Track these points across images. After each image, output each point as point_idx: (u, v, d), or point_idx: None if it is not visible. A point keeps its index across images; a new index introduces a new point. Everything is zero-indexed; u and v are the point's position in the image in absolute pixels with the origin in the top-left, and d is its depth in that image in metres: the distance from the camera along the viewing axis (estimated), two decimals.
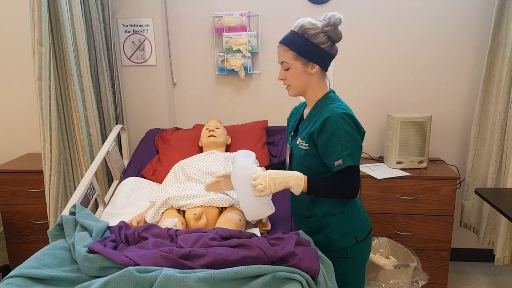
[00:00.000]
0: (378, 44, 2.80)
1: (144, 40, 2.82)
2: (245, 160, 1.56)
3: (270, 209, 1.61)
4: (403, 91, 2.86)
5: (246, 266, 1.33)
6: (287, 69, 1.58)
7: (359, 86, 2.88)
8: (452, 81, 2.80)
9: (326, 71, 1.63)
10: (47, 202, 2.28)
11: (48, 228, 2.29)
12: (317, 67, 1.56)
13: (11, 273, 1.38)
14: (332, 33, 1.54)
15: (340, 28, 1.56)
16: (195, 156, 2.39)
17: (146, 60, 2.86)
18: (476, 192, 2.18)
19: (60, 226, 1.71)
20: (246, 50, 2.81)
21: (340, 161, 1.50)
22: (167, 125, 2.94)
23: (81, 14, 2.42)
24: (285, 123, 2.86)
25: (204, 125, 2.72)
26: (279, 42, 1.59)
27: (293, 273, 1.33)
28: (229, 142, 2.58)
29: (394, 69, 2.83)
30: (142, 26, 2.80)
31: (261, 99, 2.98)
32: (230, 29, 2.81)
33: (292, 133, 1.74)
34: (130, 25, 2.81)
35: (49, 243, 1.65)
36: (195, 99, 3.04)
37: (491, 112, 2.63)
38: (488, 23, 2.63)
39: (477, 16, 2.68)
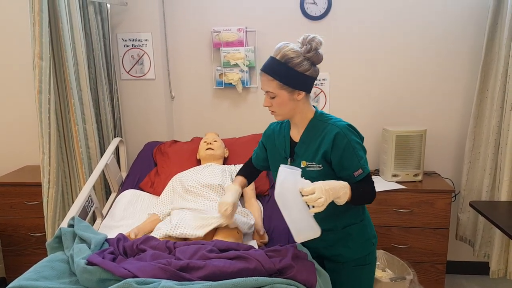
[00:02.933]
0: (374, 59, 2.84)
1: (143, 54, 2.86)
2: (297, 172, 1.43)
3: (319, 229, 1.48)
4: (398, 105, 2.90)
5: (244, 278, 1.34)
6: (273, 98, 1.56)
7: (356, 100, 2.91)
8: (447, 95, 2.84)
9: (310, 93, 1.62)
10: (45, 214, 2.29)
11: (46, 240, 2.30)
12: (303, 93, 1.56)
13: (10, 285, 1.39)
14: (315, 58, 1.54)
15: (320, 50, 1.55)
16: (193, 168, 2.40)
17: (145, 74, 2.89)
18: (471, 205, 2.20)
19: (59, 239, 1.72)
20: (244, 64, 2.86)
21: (360, 171, 1.54)
22: (165, 138, 2.96)
23: (81, 28, 2.45)
24: None
25: (202, 138, 2.74)
26: (262, 70, 1.55)
27: (291, 285, 1.34)
28: (226, 155, 2.61)
29: (390, 83, 2.87)
30: (141, 41, 2.84)
31: (258, 112, 3.01)
32: (228, 44, 2.86)
33: (290, 159, 1.68)
34: (129, 39, 2.85)
35: (46, 256, 1.66)
36: (193, 112, 3.07)
37: (485, 126, 2.66)
38: (481, 39, 2.68)
39: (470, 32, 2.74)
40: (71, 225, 1.80)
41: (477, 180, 2.73)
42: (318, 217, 1.56)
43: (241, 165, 2.45)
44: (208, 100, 3.04)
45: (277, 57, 1.52)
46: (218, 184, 2.20)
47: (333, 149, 1.54)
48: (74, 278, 1.49)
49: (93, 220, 2.38)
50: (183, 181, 2.26)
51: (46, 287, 1.37)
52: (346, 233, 1.66)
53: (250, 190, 2.34)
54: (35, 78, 2.14)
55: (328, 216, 1.61)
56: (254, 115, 3.02)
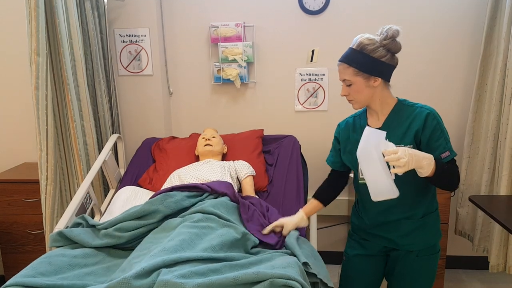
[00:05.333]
0: None
1: (141, 50, 2.85)
2: (381, 133, 1.47)
3: (397, 191, 1.47)
4: None
5: (245, 272, 1.34)
6: (349, 85, 1.62)
7: None
8: (445, 90, 2.84)
9: (389, 81, 1.67)
10: (43, 211, 2.28)
11: (44, 238, 2.29)
12: (379, 79, 1.61)
13: (7, 283, 1.38)
14: (391, 45, 1.58)
15: (398, 39, 1.59)
16: (191, 164, 2.40)
17: (143, 70, 2.88)
18: (470, 199, 2.20)
19: (61, 234, 1.72)
20: (242, 60, 2.84)
21: (447, 153, 1.55)
22: (163, 134, 2.95)
23: (78, 24, 2.44)
24: (280, 132, 2.90)
25: (200, 134, 2.73)
26: (339, 61, 1.63)
27: (291, 279, 1.34)
28: (225, 151, 2.60)
29: None
30: (139, 36, 2.82)
31: (256, 108, 3.00)
32: (226, 39, 2.84)
33: None
34: (126, 35, 2.83)
35: (45, 253, 1.66)
36: (191, 108, 3.06)
37: (484, 121, 2.66)
38: (480, 33, 2.67)
39: (469, 26, 2.73)
40: (77, 224, 1.81)
41: (476, 175, 2.73)
42: (402, 205, 1.65)
43: (240, 161, 2.45)
44: (206, 96, 3.03)
45: (354, 47, 1.60)
46: (217, 180, 2.20)
47: (424, 129, 1.58)
48: (73, 272, 1.48)
49: (92, 217, 2.37)
50: (182, 177, 2.26)
51: (42, 284, 1.36)
52: (423, 222, 1.69)
53: (249, 186, 2.33)
54: (32, 74, 2.13)
55: (412, 203, 1.66)
56: (253, 110, 3.01)
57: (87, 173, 2.36)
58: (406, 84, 2.85)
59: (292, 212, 1.94)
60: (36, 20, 2.09)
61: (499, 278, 2.93)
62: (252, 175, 2.41)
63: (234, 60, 2.85)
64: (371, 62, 1.57)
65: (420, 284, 1.74)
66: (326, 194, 1.90)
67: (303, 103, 2.94)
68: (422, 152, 1.46)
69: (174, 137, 2.83)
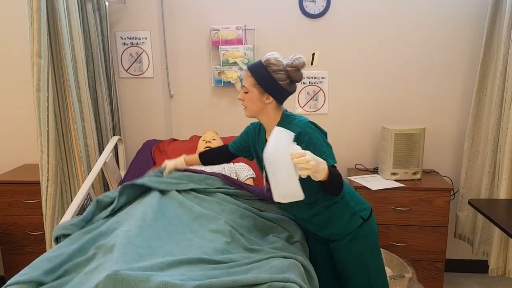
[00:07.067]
0: (372, 57, 2.84)
1: (142, 52, 2.86)
2: (290, 135, 1.45)
3: (302, 193, 1.44)
4: (397, 103, 2.90)
5: (244, 275, 1.34)
6: (246, 92, 1.72)
7: (354, 98, 2.91)
8: (446, 93, 2.84)
9: (282, 104, 1.75)
10: (43, 213, 2.28)
11: (45, 239, 2.29)
12: (271, 99, 1.70)
13: (8, 283, 1.39)
14: (293, 73, 1.67)
15: (302, 70, 1.69)
16: (191, 166, 2.40)
17: (144, 72, 2.89)
18: (469, 203, 2.20)
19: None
20: (242, 62, 2.85)
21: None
22: (164, 136, 2.96)
23: (80, 27, 2.45)
24: None
25: (200, 136, 2.74)
26: (247, 67, 1.73)
27: (290, 282, 1.34)
28: None
29: (389, 82, 2.87)
30: (140, 39, 2.84)
31: None
32: (227, 42, 2.85)
33: None
34: (128, 37, 2.84)
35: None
36: (191, 110, 3.07)
37: (484, 125, 2.66)
38: (480, 37, 2.68)
39: (469, 30, 2.74)
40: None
41: (476, 178, 2.74)
42: (303, 205, 1.75)
43: (240, 164, 2.46)
44: (207, 99, 3.04)
45: (262, 61, 1.69)
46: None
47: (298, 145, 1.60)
48: (71, 263, 1.50)
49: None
50: None
51: (42, 280, 1.38)
52: (332, 213, 1.74)
53: None
54: (34, 76, 2.13)
55: (312, 202, 1.74)
56: None
57: (88, 174, 2.36)
58: (406, 88, 2.86)
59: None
60: (38, 23, 2.10)
61: (499, 281, 2.93)
62: (252, 178, 2.42)
63: (235, 63, 2.86)
64: (270, 80, 1.66)
65: (354, 268, 1.80)
66: (209, 157, 2.11)
67: (303, 106, 2.95)
68: (318, 157, 1.48)
69: (174, 139, 2.84)
